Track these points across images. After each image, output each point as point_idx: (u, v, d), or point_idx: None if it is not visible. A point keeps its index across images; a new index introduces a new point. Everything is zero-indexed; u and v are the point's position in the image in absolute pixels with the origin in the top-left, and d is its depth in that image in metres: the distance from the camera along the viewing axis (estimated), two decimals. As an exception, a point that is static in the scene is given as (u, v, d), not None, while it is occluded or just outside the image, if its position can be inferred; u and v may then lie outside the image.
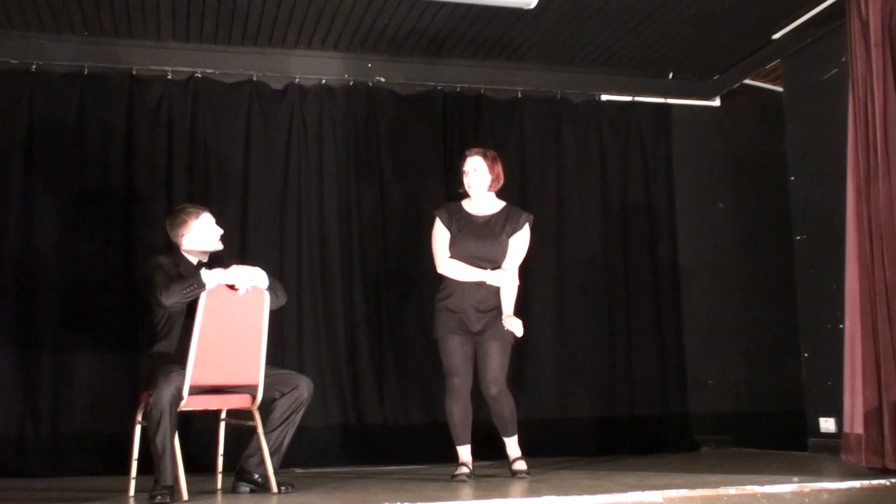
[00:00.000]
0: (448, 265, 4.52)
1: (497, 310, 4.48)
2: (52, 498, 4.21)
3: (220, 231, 4.28)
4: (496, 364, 4.45)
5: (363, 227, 5.97)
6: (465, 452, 4.49)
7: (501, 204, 4.65)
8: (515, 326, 4.42)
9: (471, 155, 4.61)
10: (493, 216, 4.59)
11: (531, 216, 4.66)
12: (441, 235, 4.56)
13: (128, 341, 5.39)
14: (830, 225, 5.24)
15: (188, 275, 4.00)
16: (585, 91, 6.51)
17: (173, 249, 4.27)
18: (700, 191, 6.69)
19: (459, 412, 4.46)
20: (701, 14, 5.62)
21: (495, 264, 4.52)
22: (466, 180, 4.57)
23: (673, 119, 6.68)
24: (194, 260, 4.20)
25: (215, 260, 4.23)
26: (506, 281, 4.48)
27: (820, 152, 5.51)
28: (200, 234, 4.20)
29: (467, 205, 4.63)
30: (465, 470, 4.41)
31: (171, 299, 3.88)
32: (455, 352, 4.45)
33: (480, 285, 4.47)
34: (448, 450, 4.70)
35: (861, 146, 4.33)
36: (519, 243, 4.58)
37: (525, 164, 6.28)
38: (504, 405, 4.50)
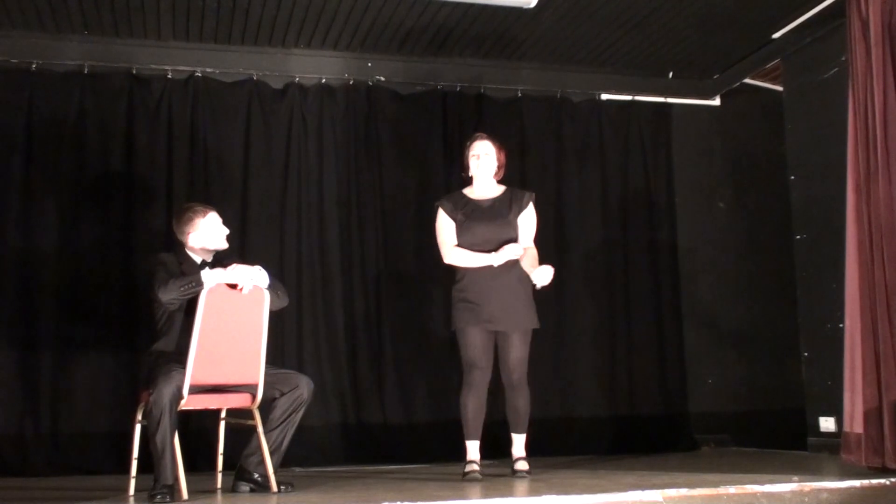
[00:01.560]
0: (454, 254, 4.53)
1: (518, 298, 4.47)
2: (52, 497, 4.21)
3: (227, 231, 4.28)
4: (518, 353, 4.48)
5: (363, 227, 5.97)
6: (473, 448, 4.47)
7: (502, 188, 4.67)
8: (544, 273, 4.41)
9: (480, 139, 4.63)
10: (496, 198, 4.61)
11: (533, 193, 4.69)
12: (445, 225, 4.57)
13: (128, 341, 5.39)
14: (830, 225, 5.24)
15: (190, 273, 4.01)
16: (585, 90, 6.51)
17: (177, 247, 4.28)
18: (700, 190, 6.69)
19: (475, 406, 4.44)
20: (701, 14, 5.62)
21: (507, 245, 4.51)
22: (476, 163, 4.58)
23: (673, 118, 6.68)
24: (198, 259, 4.21)
25: (219, 259, 4.23)
26: (510, 254, 4.44)
27: (820, 152, 5.51)
28: (207, 232, 4.20)
29: (469, 192, 4.64)
30: (475, 467, 4.39)
31: (168, 296, 3.89)
32: (475, 345, 4.45)
33: (497, 271, 4.45)
34: (449, 449, 4.71)
35: (861, 146, 4.33)
36: (527, 221, 4.61)
37: (525, 163, 6.28)
38: (521, 396, 4.51)
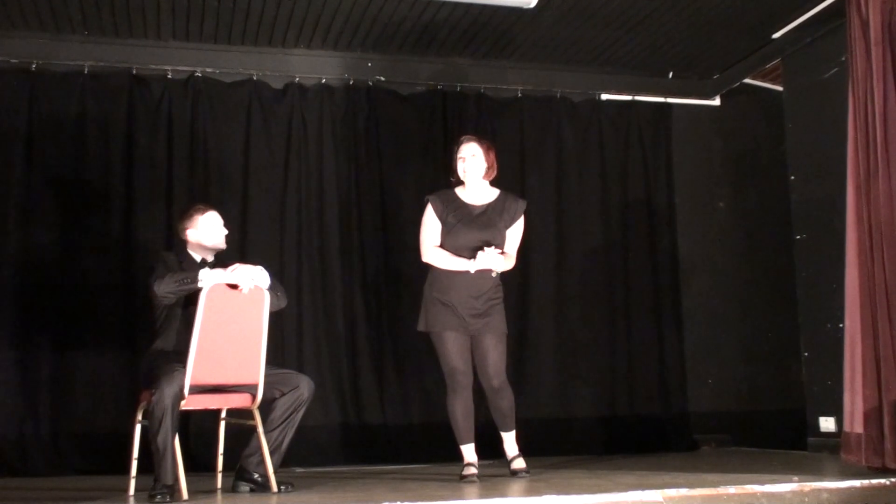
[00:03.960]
0: (433, 253, 4.48)
1: (492, 302, 4.45)
2: (52, 497, 4.21)
3: (226, 231, 4.30)
4: (496, 357, 4.43)
5: (363, 227, 5.97)
6: (469, 451, 4.45)
7: (496, 192, 4.61)
8: (488, 259, 4.36)
9: (466, 141, 4.57)
10: (489, 205, 4.55)
11: (525, 202, 4.64)
12: (430, 224, 4.52)
13: (128, 341, 5.39)
14: (830, 225, 5.24)
15: (190, 271, 4.02)
16: (585, 90, 6.51)
17: (178, 246, 4.33)
18: (700, 190, 6.69)
19: (462, 410, 4.41)
20: (701, 14, 5.62)
21: None
22: (462, 166, 4.52)
23: (673, 118, 6.68)
24: (198, 257, 4.23)
25: (220, 260, 4.24)
26: (486, 262, 4.36)
27: (820, 152, 5.52)
28: (205, 229, 4.23)
29: (462, 193, 4.58)
30: (473, 470, 4.36)
31: (164, 289, 3.91)
32: (454, 350, 4.41)
33: (473, 275, 4.40)
34: (448, 449, 4.69)
35: (861, 146, 4.33)
36: (515, 232, 4.57)
37: (525, 163, 6.28)
38: (504, 398, 4.47)
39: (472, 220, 4.49)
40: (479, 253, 4.36)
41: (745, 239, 6.65)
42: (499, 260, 4.41)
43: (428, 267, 4.54)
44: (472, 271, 4.39)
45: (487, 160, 4.55)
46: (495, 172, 4.60)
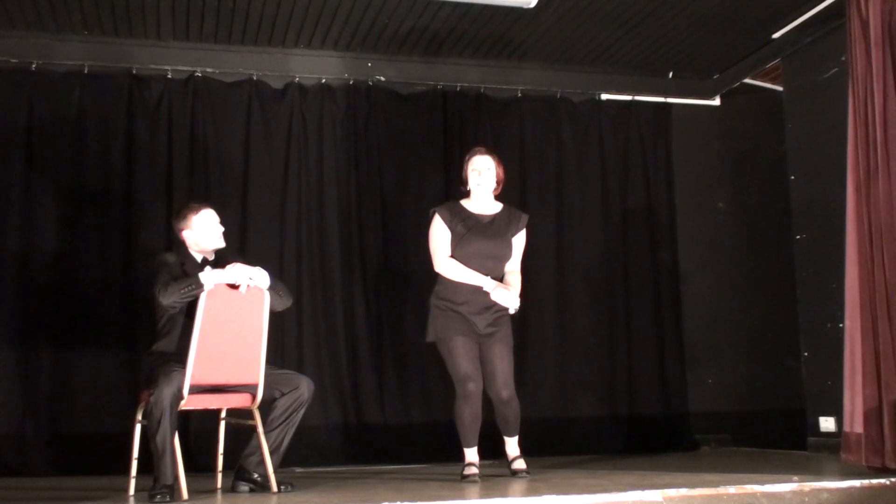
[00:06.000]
0: (448, 264, 4.48)
1: (500, 313, 4.46)
2: (52, 497, 4.21)
3: (222, 229, 4.26)
4: (505, 367, 4.42)
5: (363, 227, 5.97)
6: (472, 454, 4.45)
7: (500, 205, 4.64)
8: (507, 297, 4.40)
9: (480, 153, 4.58)
10: (496, 216, 4.58)
11: (528, 216, 4.68)
12: (441, 234, 4.52)
13: (128, 341, 5.39)
14: (830, 225, 5.24)
15: (192, 273, 4.00)
16: (585, 90, 6.51)
17: (180, 246, 4.28)
18: (700, 190, 6.69)
19: (471, 416, 4.38)
20: (701, 14, 5.63)
21: (502, 262, 4.51)
22: (477, 179, 4.52)
23: (673, 118, 6.68)
24: (199, 258, 4.21)
25: (222, 258, 4.22)
26: (503, 298, 4.41)
27: (820, 152, 5.52)
28: (200, 230, 4.19)
29: (468, 204, 4.59)
30: (474, 469, 4.36)
31: (170, 299, 3.88)
32: (465, 356, 4.38)
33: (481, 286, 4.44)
34: (448, 449, 4.70)
35: (861, 146, 4.33)
36: (520, 242, 4.61)
37: (525, 163, 6.28)
38: (512, 409, 4.46)
39: (482, 229, 4.51)
40: (498, 289, 4.40)
41: (745, 239, 6.65)
42: (514, 300, 4.43)
43: (435, 276, 4.54)
44: (486, 290, 4.41)
45: (498, 175, 4.58)
46: (501, 188, 4.63)
